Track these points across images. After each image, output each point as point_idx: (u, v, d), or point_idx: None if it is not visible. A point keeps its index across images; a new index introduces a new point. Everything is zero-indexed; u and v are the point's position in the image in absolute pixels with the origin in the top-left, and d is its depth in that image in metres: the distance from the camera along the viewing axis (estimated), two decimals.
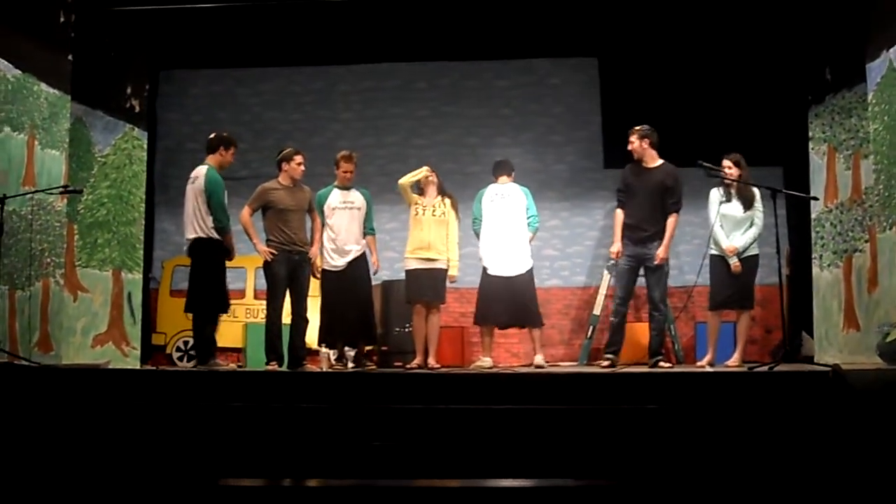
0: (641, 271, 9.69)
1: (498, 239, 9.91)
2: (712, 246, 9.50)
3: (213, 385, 7.49)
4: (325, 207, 9.86)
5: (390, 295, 11.99)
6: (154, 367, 9.90)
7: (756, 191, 9.44)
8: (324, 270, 9.81)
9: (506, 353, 13.31)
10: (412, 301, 9.96)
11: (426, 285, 9.83)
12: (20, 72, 9.63)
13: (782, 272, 8.90)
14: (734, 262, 9.33)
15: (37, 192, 9.64)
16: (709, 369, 9.13)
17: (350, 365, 10.48)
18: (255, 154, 14.14)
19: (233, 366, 10.86)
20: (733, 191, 9.43)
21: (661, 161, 9.69)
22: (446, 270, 9.91)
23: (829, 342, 10.25)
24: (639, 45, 13.10)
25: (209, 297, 9.39)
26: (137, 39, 11.97)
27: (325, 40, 13.36)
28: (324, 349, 10.69)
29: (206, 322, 9.43)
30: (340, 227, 9.77)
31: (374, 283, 11.88)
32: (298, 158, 9.82)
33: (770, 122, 12.54)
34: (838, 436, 5.83)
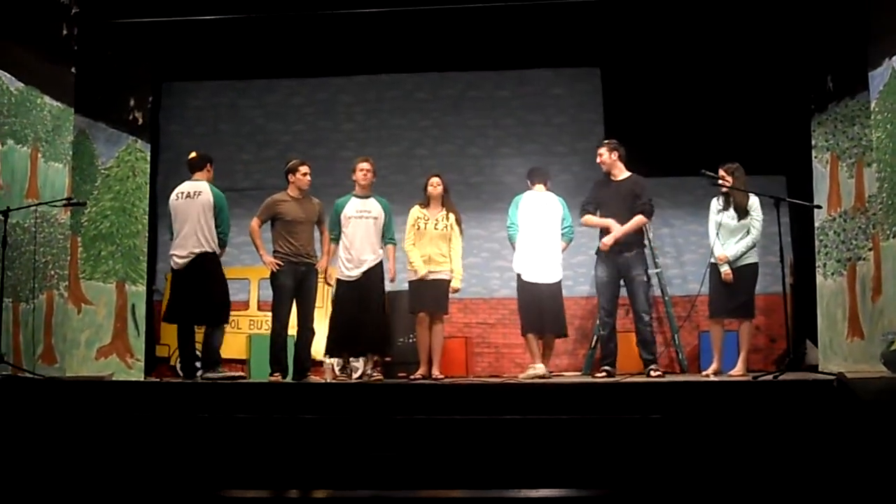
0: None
1: (536, 247, 9.92)
2: (711, 256, 9.55)
3: (217, 396, 7.49)
4: (342, 216, 9.85)
5: (394, 306, 11.98)
6: (158, 379, 9.88)
7: (753, 199, 9.46)
8: (338, 280, 9.80)
9: (510, 363, 13.30)
10: (415, 311, 9.96)
11: (429, 296, 9.84)
12: (23, 84, 9.65)
13: (786, 281, 8.90)
14: (725, 269, 9.36)
15: (40, 204, 9.65)
16: (713, 378, 9.12)
17: (354, 376, 10.46)
18: (258, 165, 14.16)
19: (240, 372, 10.85)
20: (730, 199, 9.47)
21: (628, 173, 9.93)
22: (449, 281, 9.91)
23: (834, 351, 10.23)
24: (641, 54, 13.11)
25: (221, 308, 9.51)
26: (140, 51, 11.97)
27: (327, 52, 13.38)
28: (328, 360, 10.68)
29: (216, 332, 9.52)
30: (355, 237, 9.74)
31: None
32: (304, 169, 9.86)
33: (773, 130, 12.53)
34: (843, 445, 5.82)
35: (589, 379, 9.86)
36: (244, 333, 13.12)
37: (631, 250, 9.73)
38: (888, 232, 8.97)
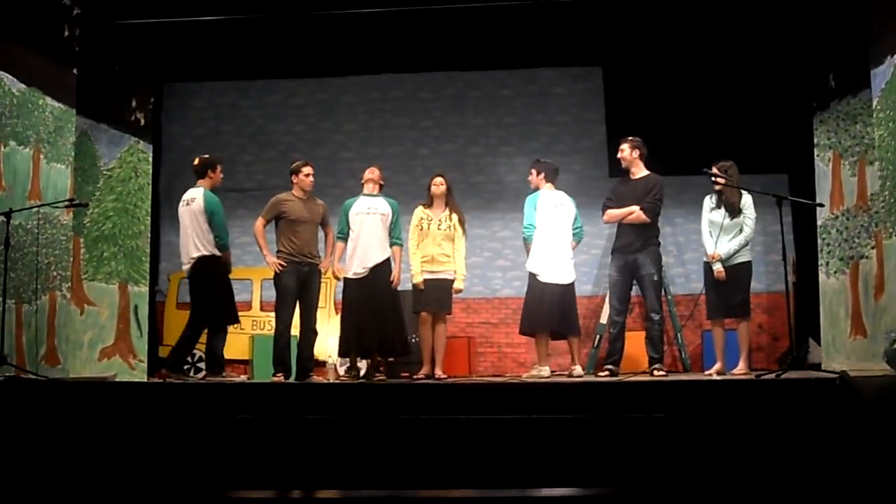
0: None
1: (553, 247, 9.93)
2: (704, 254, 9.59)
3: (220, 397, 7.49)
4: (350, 214, 9.86)
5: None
6: (161, 380, 9.88)
7: (746, 198, 9.47)
8: (346, 279, 9.80)
9: (512, 362, 13.30)
10: (418, 310, 9.97)
11: (432, 295, 9.84)
12: (25, 86, 9.65)
13: (789, 279, 8.89)
14: (717, 268, 9.37)
15: (43, 205, 9.65)
16: (716, 377, 9.12)
17: (331, 377, 10.43)
18: (260, 166, 14.18)
19: (243, 377, 10.85)
20: (722, 197, 9.48)
21: (646, 172, 9.91)
22: (453, 281, 9.91)
23: (837, 349, 10.22)
24: (643, 53, 13.12)
25: (222, 311, 9.61)
26: (142, 53, 11.98)
27: (329, 52, 13.38)
28: (330, 360, 10.68)
29: (218, 335, 9.57)
30: (362, 233, 9.74)
31: None
32: (307, 170, 9.91)
33: (775, 129, 12.54)
34: (846, 443, 5.82)
35: (592, 378, 9.84)
36: (247, 334, 13.12)
37: (644, 249, 9.72)
38: (891, 230, 8.96)
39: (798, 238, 12.19)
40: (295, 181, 9.93)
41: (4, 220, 8.70)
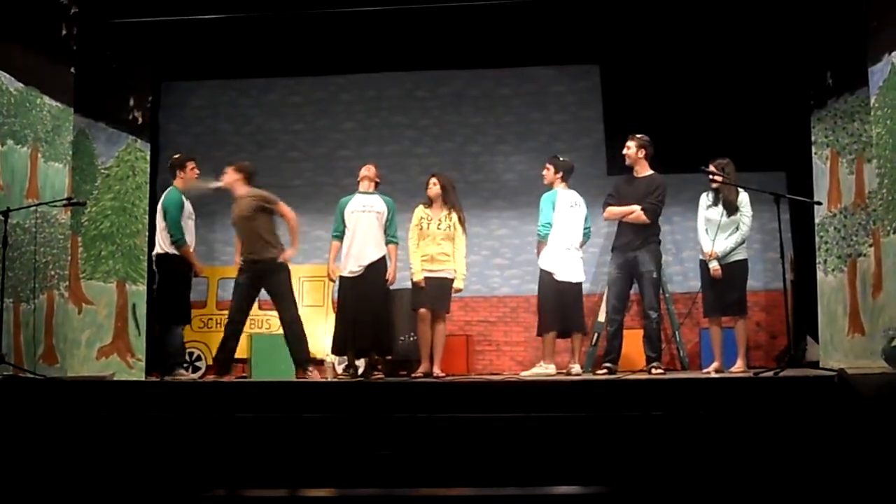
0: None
1: (567, 246, 10.00)
2: (701, 252, 9.59)
3: (219, 396, 7.49)
4: (346, 212, 9.86)
5: (395, 304, 11.97)
6: (158, 379, 9.89)
7: (743, 195, 9.48)
8: (341, 277, 9.81)
9: (510, 360, 13.31)
10: (416, 307, 9.96)
11: (431, 293, 9.83)
12: (23, 85, 9.64)
13: (786, 277, 8.90)
14: (713, 266, 9.38)
15: (40, 204, 9.64)
16: (714, 375, 9.12)
17: (329, 375, 10.42)
18: (258, 165, 14.06)
19: (194, 377, 10.83)
20: (719, 195, 9.49)
21: (650, 172, 9.91)
22: (452, 280, 9.90)
23: (834, 347, 10.23)
24: (640, 51, 13.12)
25: (171, 309, 9.74)
26: (139, 51, 11.97)
27: (326, 50, 13.38)
28: (329, 358, 10.68)
29: (168, 333, 9.71)
30: (357, 231, 9.75)
31: None
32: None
33: (772, 127, 12.54)
34: (844, 441, 5.82)
35: (590, 376, 9.85)
36: (245, 333, 13.10)
37: (643, 247, 9.73)
38: (888, 228, 8.97)
39: (796, 236, 12.19)
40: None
41: (2, 219, 8.68)
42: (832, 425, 6.01)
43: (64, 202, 9.80)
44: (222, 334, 9.93)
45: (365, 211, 9.82)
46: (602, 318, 12.38)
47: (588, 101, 13.83)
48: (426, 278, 9.85)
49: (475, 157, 13.91)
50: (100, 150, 11.35)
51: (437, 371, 9.76)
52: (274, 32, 12.63)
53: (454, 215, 9.98)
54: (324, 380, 10.06)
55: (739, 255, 9.50)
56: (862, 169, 9.81)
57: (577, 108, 13.88)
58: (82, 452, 6.29)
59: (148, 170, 12.07)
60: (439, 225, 9.91)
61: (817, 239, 10.64)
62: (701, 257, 9.59)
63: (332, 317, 11.11)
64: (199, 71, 14.20)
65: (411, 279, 10.02)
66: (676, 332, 12.56)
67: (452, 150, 13.98)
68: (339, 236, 9.90)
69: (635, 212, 9.65)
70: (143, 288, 11.69)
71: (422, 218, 10.00)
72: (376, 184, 10.06)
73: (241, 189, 9.96)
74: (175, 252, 9.72)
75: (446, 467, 5.94)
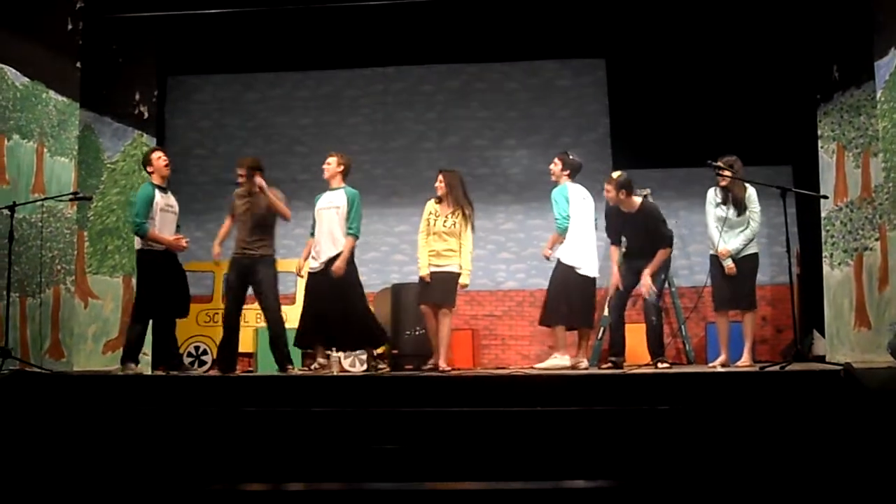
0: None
1: (587, 240, 10.03)
2: (711, 247, 9.57)
3: (225, 390, 7.49)
4: (315, 211, 9.88)
5: (400, 298, 11.99)
6: (164, 373, 9.89)
7: (751, 193, 9.45)
8: (308, 273, 9.83)
9: (516, 354, 13.32)
10: (420, 302, 9.98)
11: (436, 288, 9.83)
12: (28, 79, 9.65)
13: (793, 271, 8.89)
14: (728, 264, 9.37)
15: (46, 199, 9.65)
16: (720, 369, 9.12)
17: (335, 370, 10.38)
18: (265, 159, 14.12)
19: (199, 371, 10.75)
20: (728, 193, 9.46)
21: (638, 202, 9.91)
22: (458, 275, 9.90)
23: (841, 341, 10.23)
24: (646, 45, 13.10)
25: (136, 303, 9.59)
26: (145, 46, 11.98)
27: (332, 44, 13.39)
28: (334, 354, 10.68)
29: (132, 325, 9.56)
30: (320, 228, 9.75)
31: (384, 286, 11.88)
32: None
33: (778, 120, 12.53)
34: (850, 435, 5.81)
35: (597, 370, 9.85)
36: (251, 327, 13.12)
37: (653, 255, 9.76)
38: (895, 221, 8.96)
39: (802, 230, 12.19)
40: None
41: (8, 213, 8.68)
42: (838, 419, 6.01)
43: (70, 197, 9.79)
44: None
45: (328, 208, 9.79)
46: (608, 311, 12.40)
47: (594, 95, 13.83)
48: (432, 273, 9.84)
49: (481, 151, 13.90)
50: (106, 145, 11.37)
51: (442, 365, 9.75)
52: (280, 27, 12.65)
53: (459, 213, 9.94)
54: (330, 374, 10.07)
55: (750, 250, 9.49)
56: (868, 163, 9.80)
57: (582, 102, 13.88)
58: (89, 446, 6.30)
59: None
60: (445, 222, 9.89)
61: (823, 233, 10.64)
62: (711, 252, 9.56)
63: None
64: (205, 65, 14.22)
65: (419, 274, 10.01)
66: (682, 327, 12.56)
67: (458, 144, 13.98)
68: (313, 233, 9.91)
69: (658, 261, 9.70)
70: None
71: (430, 213, 9.99)
72: (343, 174, 9.95)
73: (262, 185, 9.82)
74: (146, 247, 9.49)
75: (453, 461, 5.94)
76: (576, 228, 9.95)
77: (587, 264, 9.95)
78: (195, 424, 6.54)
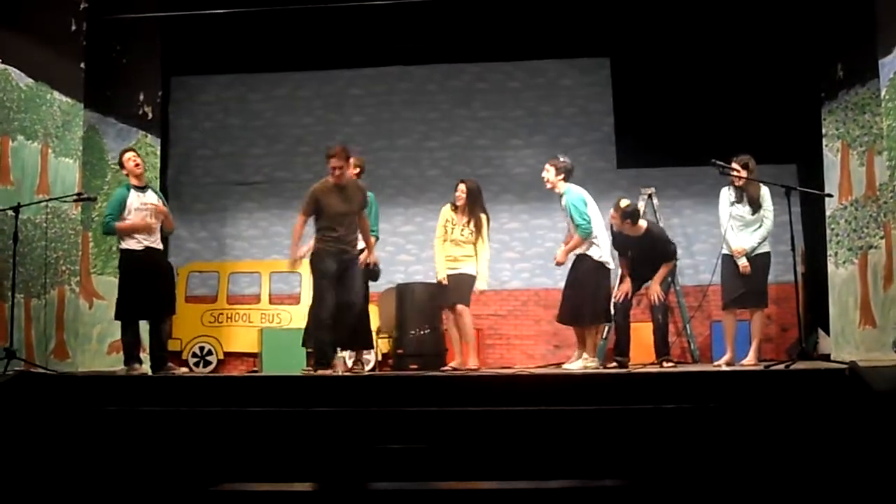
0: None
1: (606, 235, 10.11)
2: (723, 245, 9.55)
3: (229, 390, 7.50)
4: None
5: (405, 298, 11.97)
6: (170, 374, 9.90)
7: (764, 192, 9.44)
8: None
9: (521, 354, 13.31)
10: (441, 305, 10.26)
11: (452, 290, 9.91)
12: (33, 80, 9.66)
13: (797, 270, 8.88)
14: (742, 262, 9.35)
15: (51, 200, 9.66)
16: (725, 368, 9.11)
17: (340, 370, 10.36)
18: (268, 159, 14.20)
19: (205, 371, 10.67)
20: (743, 192, 9.45)
21: (644, 226, 10.00)
22: (474, 277, 9.93)
23: (846, 339, 10.21)
24: (651, 44, 13.10)
25: (118, 303, 9.47)
26: (149, 46, 11.99)
27: (336, 44, 13.38)
28: (339, 353, 10.68)
29: (124, 328, 9.49)
30: None
31: (389, 286, 11.88)
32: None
33: (783, 119, 12.53)
34: (855, 433, 5.81)
35: (603, 370, 9.84)
36: (256, 327, 13.14)
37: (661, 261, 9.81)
38: None
39: (807, 228, 12.19)
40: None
41: (13, 214, 8.70)
42: (843, 418, 6.00)
43: (74, 197, 9.80)
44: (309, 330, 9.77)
45: None
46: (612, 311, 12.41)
47: (598, 95, 13.82)
48: (449, 275, 9.90)
49: (485, 151, 13.90)
50: (110, 146, 11.35)
51: (472, 362, 9.79)
52: (283, 27, 12.64)
53: (472, 222, 9.95)
54: (334, 374, 10.07)
55: (763, 248, 9.49)
56: (873, 161, 9.78)
57: (586, 102, 13.87)
58: (94, 447, 6.30)
59: (158, 165, 12.10)
60: (462, 231, 9.96)
61: (828, 231, 10.62)
62: (724, 252, 9.54)
63: None
64: (208, 66, 14.22)
65: (436, 277, 10.06)
66: (687, 325, 12.56)
67: (462, 144, 13.98)
68: None
69: (664, 270, 9.89)
70: None
71: (447, 220, 10.06)
72: (357, 176, 9.87)
73: (347, 178, 9.47)
74: (125, 248, 9.43)
75: (458, 462, 5.94)
76: (597, 227, 9.99)
77: (610, 259, 10.06)
78: (199, 425, 6.54)
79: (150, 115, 12.00)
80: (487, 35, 13.18)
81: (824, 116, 10.77)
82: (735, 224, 9.46)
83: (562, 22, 12.83)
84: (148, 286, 9.34)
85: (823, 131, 10.79)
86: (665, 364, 9.49)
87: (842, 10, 10.31)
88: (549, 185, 10.16)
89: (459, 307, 9.94)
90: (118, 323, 9.60)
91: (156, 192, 9.82)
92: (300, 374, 9.56)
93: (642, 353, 10.48)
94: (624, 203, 9.92)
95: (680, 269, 12.87)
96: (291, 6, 11.34)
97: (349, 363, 10.97)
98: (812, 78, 11.26)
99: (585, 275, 9.97)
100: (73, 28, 10.34)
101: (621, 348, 9.85)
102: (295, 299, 13.44)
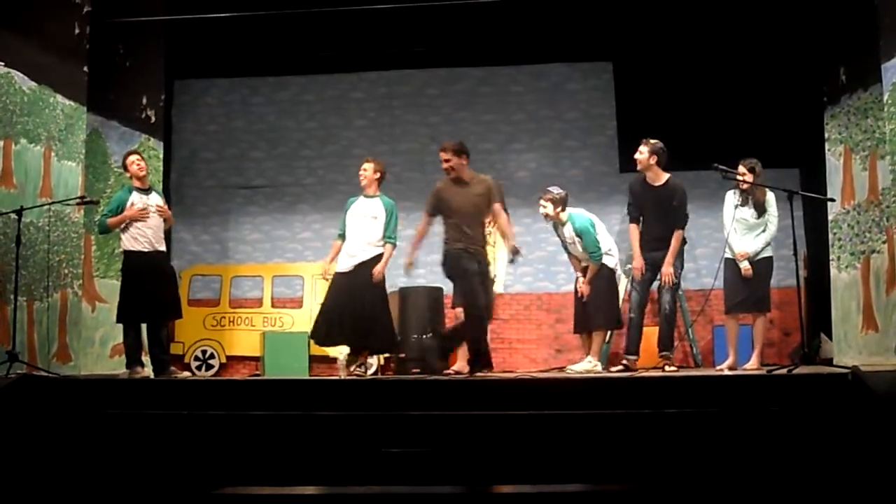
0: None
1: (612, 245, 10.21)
2: (727, 249, 9.54)
3: (232, 394, 7.50)
4: (347, 215, 9.79)
5: (407, 302, 11.98)
6: (172, 377, 9.90)
7: (770, 196, 9.45)
8: (334, 273, 9.74)
9: (524, 358, 13.30)
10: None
11: None
12: (36, 84, 9.67)
13: (800, 274, 8.87)
14: (745, 266, 9.35)
15: (54, 203, 9.67)
16: (728, 373, 9.11)
17: (343, 374, 10.38)
18: (270, 163, 14.20)
19: (207, 374, 10.63)
20: (748, 195, 9.44)
21: (666, 177, 9.71)
22: (493, 281, 9.94)
23: (848, 344, 10.21)
24: (653, 48, 13.09)
25: (119, 305, 9.51)
26: (152, 50, 11.99)
27: (339, 48, 13.38)
28: (341, 357, 10.69)
29: (125, 331, 9.52)
30: (353, 233, 9.67)
31: (391, 290, 11.87)
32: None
33: (786, 123, 12.51)
34: (858, 438, 5.80)
35: (606, 374, 9.83)
36: (258, 331, 13.14)
37: (666, 248, 9.63)
38: None
39: (809, 233, 12.17)
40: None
41: (16, 217, 8.71)
42: (846, 422, 6.00)
43: (77, 201, 9.82)
44: (455, 329, 9.69)
45: (364, 216, 9.72)
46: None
47: (601, 99, 13.81)
48: None
49: (487, 155, 13.87)
50: (113, 149, 11.36)
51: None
52: (286, 30, 12.64)
53: (492, 223, 9.93)
54: (336, 378, 10.07)
55: (766, 253, 9.49)
56: (875, 165, 9.78)
57: (589, 106, 13.86)
58: (96, 450, 6.30)
59: (161, 168, 12.10)
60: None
61: (831, 236, 10.62)
62: (727, 255, 9.53)
63: None
64: (211, 69, 14.22)
65: None
66: (689, 330, 12.54)
67: None
68: (342, 236, 9.84)
69: (676, 243, 9.59)
70: None
71: None
72: (378, 182, 9.89)
73: (468, 173, 9.29)
74: (130, 249, 9.49)
75: (460, 465, 5.94)
76: (604, 239, 10.05)
77: (618, 264, 10.23)
78: (201, 428, 6.55)
79: (153, 119, 12.01)
80: (490, 39, 13.17)
81: (827, 121, 10.77)
82: (738, 227, 9.46)
83: (565, 26, 12.82)
84: (149, 289, 9.37)
85: (826, 135, 10.79)
86: (667, 368, 9.44)
87: (844, 15, 10.31)
88: (548, 219, 10.17)
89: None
90: (121, 326, 9.62)
91: (159, 195, 9.85)
92: (354, 377, 9.61)
93: (644, 357, 10.47)
94: (653, 140, 9.69)
95: (683, 274, 12.84)
96: (294, 10, 11.34)
97: (352, 367, 10.97)
98: (815, 82, 11.27)
99: (599, 282, 9.98)
100: (77, 31, 10.35)
101: (633, 347, 9.76)
102: (297, 303, 13.45)
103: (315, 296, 13.03)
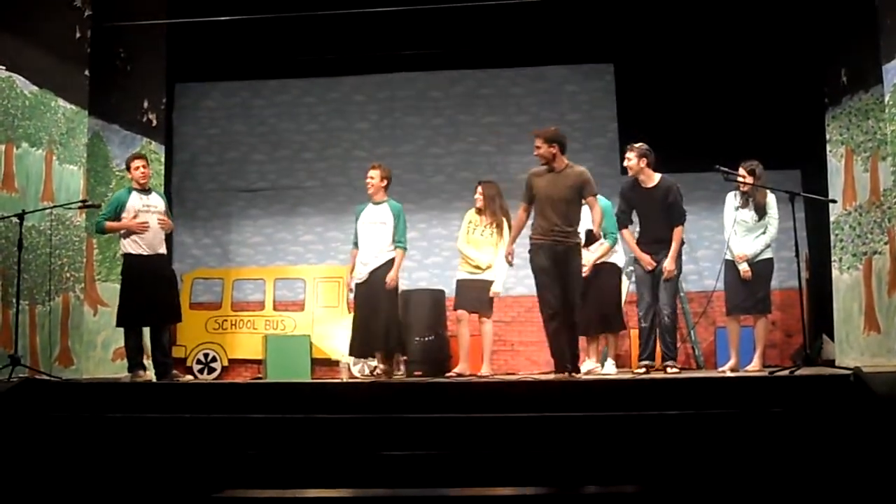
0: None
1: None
2: (727, 251, 9.53)
3: (233, 397, 7.50)
4: (357, 224, 9.80)
5: (409, 305, 11.98)
6: (174, 381, 9.90)
7: (770, 198, 9.44)
8: (356, 284, 9.79)
9: (526, 360, 13.30)
10: (455, 308, 10.20)
11: (472, 296, 9.95)
12: (37, 88, 9.67)
13: (802, 276, 8.87)
14: (744, 268, 9.35)
15: (55, 207, 9.68)
16: (730, 374, 9.10)
17: (345, 376, 10.40)
18: (272, 165, 14.21)
19: (147, 377, 10.54)
20: (749, 197, 9.43)
21: (658, 177, 9.64)
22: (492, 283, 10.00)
23: (850, 345, 10.20)
24: (654, 50, 13.10)
25: (119, 308, 9.43)
26: (153, 53, 12.00)
27: (340, 51, 13.38)
28: (343, 360, 10.71)
29: (126, 335, 9.48)
30: (365, 242, 9.69)
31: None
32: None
33: (787, 125, 12.53)
34: (860, 439, 5.80)
35: (606, 376, 9.82)
36: (260, 334, 13.13)
37: (668, 247, 9.56)
38: None
39: (811, 234, 12.18)
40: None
41: (17, 221, 8.71)
42: (848, 424, 5.99)
43: (79, 204, 9.82)
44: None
45: (374, 223, 9.74)
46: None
47: (602, 100, 13.83)
48: (471, 281, 9.95)
49: (488, 157, 13.90)
50: (114, 153, 11.37)
51: (486, 371, 9.84)
52: (287, 33, 12.64)
53: (496, 224, 10.02)
54: (340, 381, 10.09)
55: (766, 255, 9.49)
56: (877, 167, 9.78)
57: (590, 108, 13.88)
58: (98, 454, 6.30)
59: (162, 171, 12.10)
60: (482, 233, 10.01)
61: (832, 237, 10.62)
62: (727, 257, 9.53)
63: (347, 318, 11.14)
64: (212, 72, 14.24)
65: (457, 279, 10.23)
66: (691, 331, 12.54)
67: (466, 149, 13.98)
68: (356, 244, 9.87)
69: (677, 243, 9.52)
70: None
71: (470, 222, 10.18)
72: (385, 188, 9.89)
73: (561, 163, 8.89)
74: (130, 252, 9.39)
75: (464, 468, 5.93)
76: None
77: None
78: (203, 431, 6.54)
79: (155, 122, 12.01)
80: (491, 41, 13.18)
81: (828, 122, 10.77)
82: (739, 229, 9.46)
83: (565, 28, 12.83)
84: (149, 293, 9.32)
85: (827, 137, 10.79)
86: (669, 370, 9.41)
87: (845, 16, 10.32)
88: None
89: (482, 315, 9.99)
90: (122, 329, 9.62)
91: (160, 195, 9.84)
92: (379, 379, 9.63)
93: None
94: (639, 144, 9.63)
95: (684, 275, 12.81)
96: (294, 13, 11.35)
97: (354, 370, 10.98)
98: (816, 83, 11.27)
99: (609, 281, 9.95)
100: (78, 35, 10.35)
101: (648, 352, 9.62)
102: (299, 306, 13.44)
103: (317, 299, 13.04)
